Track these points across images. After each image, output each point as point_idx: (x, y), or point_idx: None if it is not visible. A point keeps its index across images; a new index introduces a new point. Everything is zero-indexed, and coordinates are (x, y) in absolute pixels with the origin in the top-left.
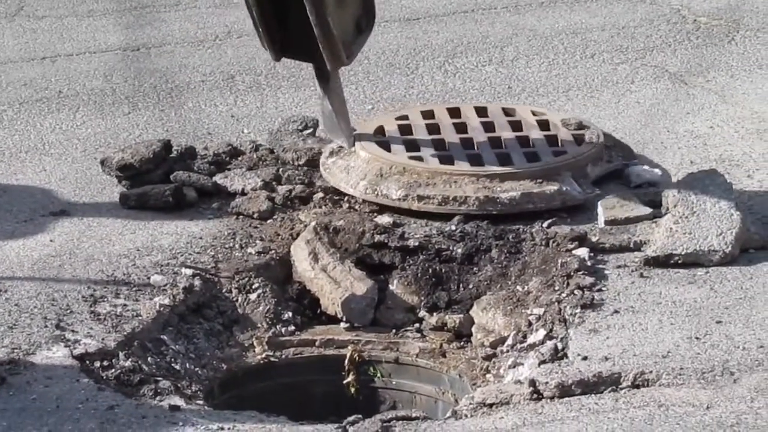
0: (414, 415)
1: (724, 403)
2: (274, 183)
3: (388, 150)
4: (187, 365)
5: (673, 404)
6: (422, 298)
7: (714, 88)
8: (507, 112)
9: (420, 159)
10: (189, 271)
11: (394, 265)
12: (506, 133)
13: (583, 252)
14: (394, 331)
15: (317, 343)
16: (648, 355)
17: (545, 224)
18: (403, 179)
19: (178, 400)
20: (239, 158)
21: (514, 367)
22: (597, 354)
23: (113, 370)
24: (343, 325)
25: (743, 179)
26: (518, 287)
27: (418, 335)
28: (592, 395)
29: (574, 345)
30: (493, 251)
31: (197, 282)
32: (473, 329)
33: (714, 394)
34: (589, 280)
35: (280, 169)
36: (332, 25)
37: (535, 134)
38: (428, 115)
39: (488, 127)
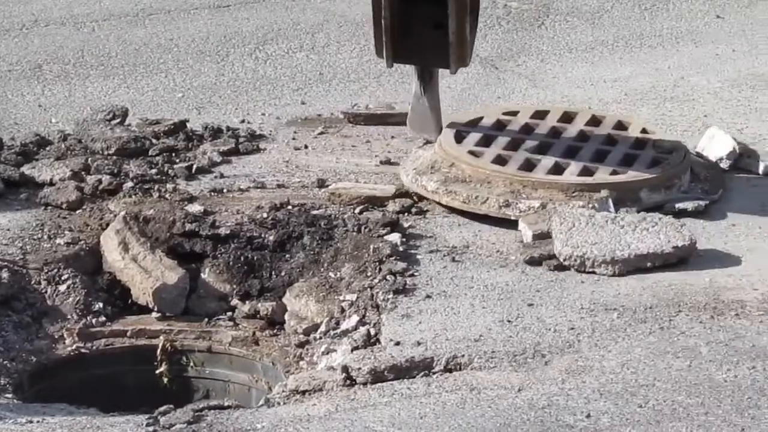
0: (226, 403)
1: (536, 385)
2: (83, 173)
3: (460, 142)
4: None
5: (485, 387)
6: (234, 286)
7: (524, 72)
8: (621, 124)
9: (477, 155)
10: None
11: (205, 254)
12: (593, 145)
13: (395, 237)
14: (206, 319)
15: (129, 334)
16: (460, 339)
17: (357, 210)
18: (449, 173)
19: None
20: (47, 148)
21: (328, 353)
22: (410, 339)
23: None
24: (154, 314)
25: None
26: (331, 274)
27: (231, 324)
28: (405, 380)
29: (387, 330)
30: (305, 238)
31: (5, 274)
32: (286, 316)
33: (526, 377)
34: (401, 265)
35: (89, 159)
36: (467, 30)
37: (619, 150)
38: (539, 115)
39: (582, 135)
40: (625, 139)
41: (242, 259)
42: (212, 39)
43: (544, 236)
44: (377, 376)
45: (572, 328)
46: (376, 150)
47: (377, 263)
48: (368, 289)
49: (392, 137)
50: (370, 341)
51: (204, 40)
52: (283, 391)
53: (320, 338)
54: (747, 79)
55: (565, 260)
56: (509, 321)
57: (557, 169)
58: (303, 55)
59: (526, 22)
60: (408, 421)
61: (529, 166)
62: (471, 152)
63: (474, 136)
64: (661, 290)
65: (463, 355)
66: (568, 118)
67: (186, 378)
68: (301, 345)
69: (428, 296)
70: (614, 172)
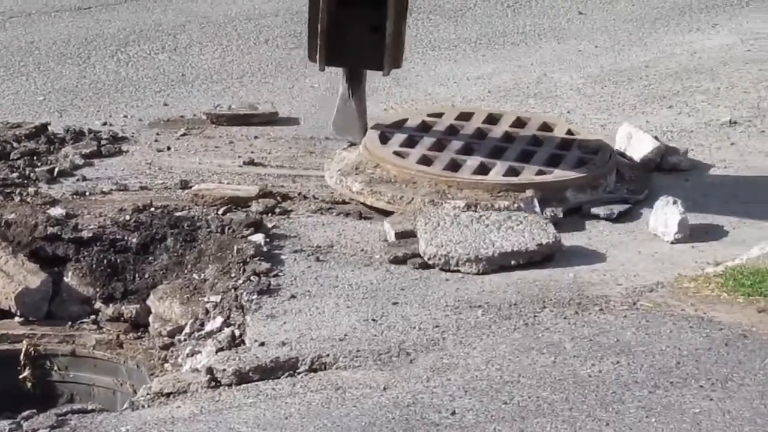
0: (90, 407)
1: (401, 383)
2: None
3: (385, 143)
4: None
5: (350, 387)
6: (98, 289)
7: None
8: (546, 126)
9: (402, 156)
10: None
11: (68, 257)
12: (519, 145)
13: (259, 238)
14: (70, 323)
15: None
16: (325, 339)
17: (221, 211)
18: (373, 174)
19: None
20: None
21: (192, 355)
22: (274, 339)
23: None
24: (17, 319)
25: None
26: (195, 275)
27: (95, 327)
28: (270, 381)
29: (252, 331)
30: (169, 240)
31: None
32: (150, 319)
33: (391, 375)
34: (265, 265)
35: None
36: (403, 33)
37: (545, 151)
38: (464, 117)
39: (507, 136)
40: (551, 140)
41: (105, 261)
42: (73, 41)
43: (407, 235)
44: (242, 377)
45: (437, 326)
46: (239, 151)
47: (241, 264)
48: (232, 290)
49: (255, 137)
50: (235, 342)
51: (65, 42)
52: (148, 394)
53: (185, 340)
54: (609, 74)
55: (429, 259)
56: (374, 320)
57: (483, 170)
58: (165, 56)
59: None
60: (273, 422)
61: (454, 166)
62: (396, 153)
63: (399, 138)
64: (526, 287)
65: (328, 355)
66: (492, 120)
67: (50, 382)
68: (165, 347)
69: (293, 296)
70: (540, 172)
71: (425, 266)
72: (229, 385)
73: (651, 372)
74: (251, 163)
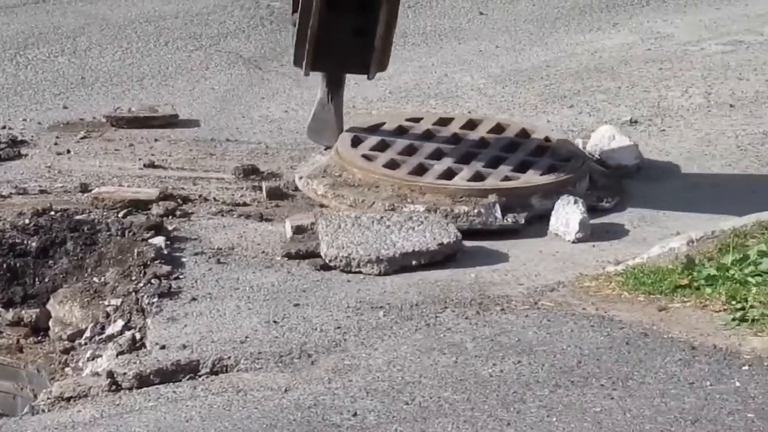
0: None
1: (302, 385)
2: None
3: (356, 147)
4: None
5: (251, 389)
6: None
7: (288, 72)
8: (525, 132)
9: (370, 159)
10: None
11: None
12: (491, 151)
13: (159, 241)
14: None
15: None
16: (226, 341)
17: (121, 214)
18: (339, 177)
19: None
20: None
21: (93, 359)
22: (175, 342)
23: None
24: None
25: None
26: (95, 278)
27: None
28: (171, 384)
29: (152, 334)
30: (69, 243)
31: None
32: (51, 323)
33: (292, 377)
34: (166, 268)
35: None
36: (392, 36)
37: (517, 157)
38: (443, 121)
39: (482, 141)
40: (526, 146)
41: (4, 266)
42: None
43: (304, 230)
44: (143, 381)
45: (338, 327)
46: (139, 153)
47: (142, 267)
48: (133, 293)
49: (156, 140)
50: (136, 345)
51: None
52: (48, 398)
53: (85, 344)
54: (510, 74)
55: (330, 261)
56: (275, 321)
57: (449, 174)
58: (65, 59)
59: (290, 21)
60: (173, 425)
61: (420, 170)
62: (364, 156)
63: (371, 141)
64: (428, 287)
65: (229, 357)
66: (472, 125)
67: None
68: (66, 351)
69: (194, 299)
70: (506, 178)
71: (326, 268)
72: (130, 389)
73: (552, 371)
74: (151, 165)
